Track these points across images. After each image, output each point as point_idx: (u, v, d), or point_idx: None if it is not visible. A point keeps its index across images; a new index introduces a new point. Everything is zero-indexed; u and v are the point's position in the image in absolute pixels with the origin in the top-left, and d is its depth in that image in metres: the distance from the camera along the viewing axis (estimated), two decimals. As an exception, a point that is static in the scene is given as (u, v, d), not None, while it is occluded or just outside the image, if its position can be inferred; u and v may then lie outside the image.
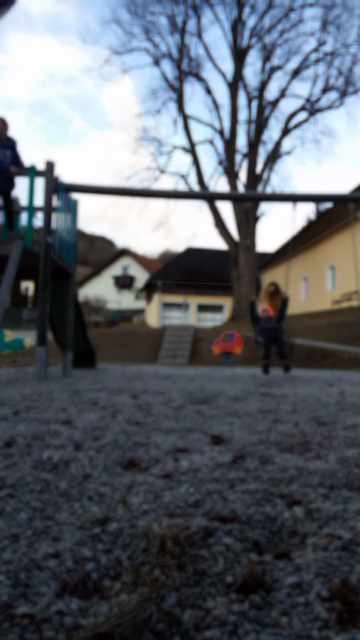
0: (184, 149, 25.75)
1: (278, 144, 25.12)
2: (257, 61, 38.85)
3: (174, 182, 27.49)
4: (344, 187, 72.07)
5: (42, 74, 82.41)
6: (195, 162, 25.14)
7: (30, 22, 70.06)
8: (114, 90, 67.20)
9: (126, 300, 41.25)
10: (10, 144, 5.94)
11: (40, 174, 6.04)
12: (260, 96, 24.78)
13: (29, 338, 14.05)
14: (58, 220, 6.25)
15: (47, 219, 6.00)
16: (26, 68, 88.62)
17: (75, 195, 6.91)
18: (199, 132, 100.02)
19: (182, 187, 25.54)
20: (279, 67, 24.82)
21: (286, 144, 50.27)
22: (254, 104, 24.94)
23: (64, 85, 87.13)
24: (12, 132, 6.06)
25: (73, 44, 79.46)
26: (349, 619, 0.72)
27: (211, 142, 25.46)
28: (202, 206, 27.38)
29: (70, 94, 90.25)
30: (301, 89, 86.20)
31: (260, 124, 24.71)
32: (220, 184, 45.56)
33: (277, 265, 27.37)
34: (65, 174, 8.14)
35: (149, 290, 32.67)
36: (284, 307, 6.57)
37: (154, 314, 30.69)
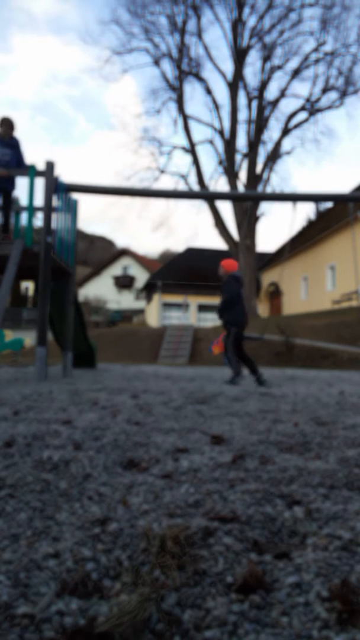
0: (184, 149, 25.71)
1: (278, 144, 25.08)
2: (257, 61, 38.80)
3: (174, 182, 27.47)
4: (344, 187, 72.09)
5: (45, 74, 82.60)
6: (195, 162, 25.11)
7: (33, 22, 70.12)
8: (117, 90, 67.30)
9: (126, 300, 41.23)
10: (14, 143, 5.98)
11: (40, 174, 6.04)
12: (260, 96, 24.74)
13: (29, 338, 14.08)
14: (58, 220, 6.26)
15: (47, 219, 6.00)
16: (30, 68, 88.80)
17: (75, 195, 6.92)
18: (199, 132, 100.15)
19: (182, 187, 25.51)
20: (279, 67, 24.79)
21: (286, 144, 50.37)
22: (254, 104, 24.93)
23: (67, 86, 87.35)
24: (15, 132, 6.11)
25: (75, 44, 79.65)
26: (349, 619, 0.72)
27: (211, 142, 25.43)
28: (202, 206, 27.28)
29: (74, 94, 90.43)
30: (301, 89, 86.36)
31: (260, 124, 24.67)
32: (220, 184, 45.56)
33: (277, 265, 27.38)
34: (68, 174, 8.14)
35: (149, 290, 32.65)
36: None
37: (154, 314, 30.68)
